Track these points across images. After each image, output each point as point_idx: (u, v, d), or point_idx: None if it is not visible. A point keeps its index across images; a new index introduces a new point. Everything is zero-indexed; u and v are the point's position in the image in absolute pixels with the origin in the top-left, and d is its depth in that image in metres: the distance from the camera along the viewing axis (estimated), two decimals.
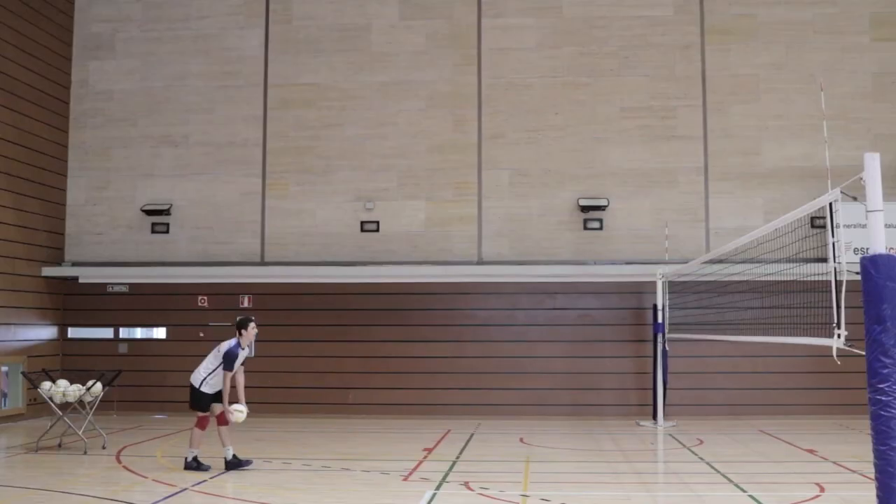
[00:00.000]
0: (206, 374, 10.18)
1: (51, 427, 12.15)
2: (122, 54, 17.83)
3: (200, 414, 10.20)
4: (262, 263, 17.11)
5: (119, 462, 10.95)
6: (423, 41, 17.32)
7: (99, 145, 17.67)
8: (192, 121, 17.55)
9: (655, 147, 16.77)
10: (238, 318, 10.54)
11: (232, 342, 10.20)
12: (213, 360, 10.23)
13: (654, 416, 15.18)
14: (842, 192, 7.08)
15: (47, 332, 16.85)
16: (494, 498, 8.65)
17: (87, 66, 17.84)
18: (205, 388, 10.18)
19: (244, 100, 17.49)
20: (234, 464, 10.21)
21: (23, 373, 14.43)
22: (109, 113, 17.70)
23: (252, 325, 10.34)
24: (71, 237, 17.55)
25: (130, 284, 17.27)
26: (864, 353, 5.84)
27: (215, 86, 17.57)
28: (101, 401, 12.40)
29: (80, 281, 17.18)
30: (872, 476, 5.72)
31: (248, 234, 17.24)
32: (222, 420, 10.19)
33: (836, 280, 7.35)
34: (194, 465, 10.13)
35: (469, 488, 9.14)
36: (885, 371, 5.63)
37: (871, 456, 5.71)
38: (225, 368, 10.05)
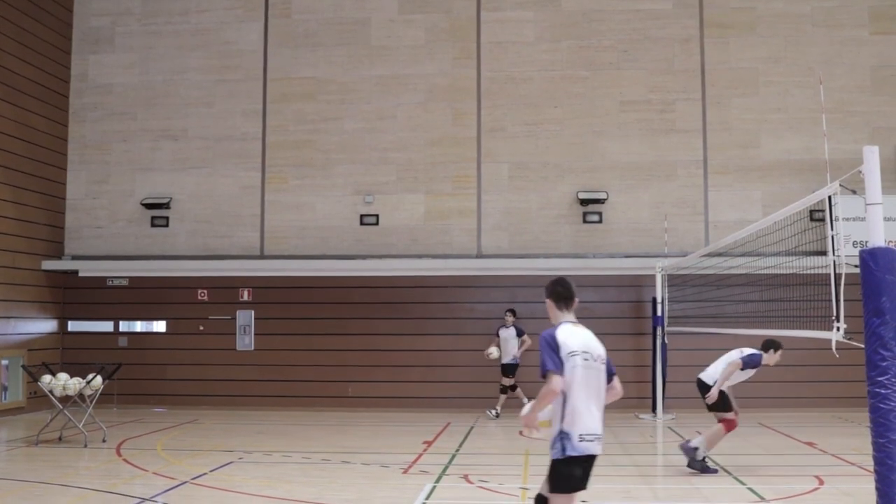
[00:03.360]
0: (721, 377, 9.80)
1: (51, 420, 12.19)
2: (121, 48, 17.82)
3: (726, 416, 9.87)
4: (262, 257, 17.12)
5: (119, 455, 10.97)
6: (423, 35, 17.30)
7: (98, 139, 17.67)
8: (192, 114, 17.54)
9: (654, 140, 16.77)
10: (766, 342, 9.90)
11: (756, 353, 9.81)
12: (728, 364, 9.88)
13: (654, 409, 15.21)
14: (841, 185, 7.07)
15: (47, 326, 16.87)
16: (494, 491, 8.68)
17: (86, 60, 17.82)
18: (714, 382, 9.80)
19: (243, 93, 17.48)
20: (699, 465, 9.69)
21: (23, 366, 14.46)
22: (109, 106, 17.70)
23: (774, 349, 9.79)
24: (71, 231, 17.55)
25: (130, 278, 17.29)
26: (863, 345, 5.85)
27: (214, 79, 17.56)
28: (101, 394, 12.41)
29: (80, 274, 17.20)
30: (871, 468, 5.73)
31: (247, 227, 17.24)
32: (730, 426, 9.85)
33: (835, 273, 7.37)
34: (699, 465, 9.68)
35: (469, 481, 9.17)
36: (884, 364, 5.65)
37: (870, 448, 5.73)
38: (746, 366, 9.77)
